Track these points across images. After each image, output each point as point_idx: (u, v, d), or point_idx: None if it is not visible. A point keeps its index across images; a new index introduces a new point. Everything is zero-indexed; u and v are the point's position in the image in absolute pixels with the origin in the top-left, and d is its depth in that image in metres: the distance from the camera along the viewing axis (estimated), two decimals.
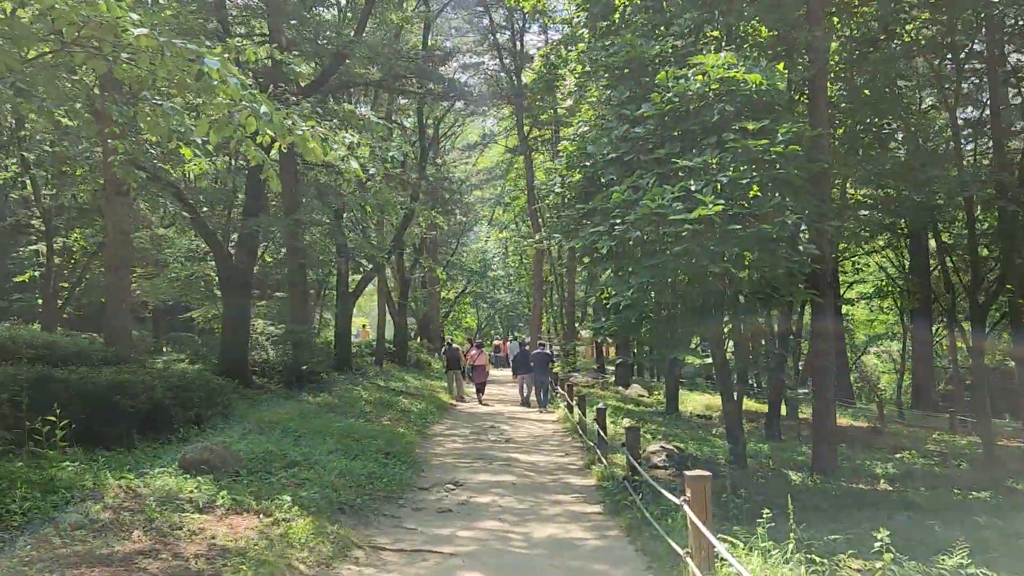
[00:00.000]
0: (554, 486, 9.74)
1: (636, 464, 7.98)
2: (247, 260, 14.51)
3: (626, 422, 17.02)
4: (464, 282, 50.05)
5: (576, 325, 37.62)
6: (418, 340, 39.15)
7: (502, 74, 30.44)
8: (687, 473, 5.46)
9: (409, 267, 32.19)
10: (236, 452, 8.05)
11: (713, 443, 16.24)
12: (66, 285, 18.42)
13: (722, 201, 8.08)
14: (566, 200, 10.99)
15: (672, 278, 8.59)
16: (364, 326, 45.87)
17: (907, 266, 32.93)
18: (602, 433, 10.97)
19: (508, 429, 15.75)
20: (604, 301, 9.21)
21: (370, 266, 22.17)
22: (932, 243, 34.66)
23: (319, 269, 22.26)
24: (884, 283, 33.58)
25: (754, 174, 8.40)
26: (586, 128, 11.08)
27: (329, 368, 18.97)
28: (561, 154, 11.92)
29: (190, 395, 9.22)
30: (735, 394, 12.83)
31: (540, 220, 34.10)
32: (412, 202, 21.64)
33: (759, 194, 8.37)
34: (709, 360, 12.66)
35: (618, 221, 8.71)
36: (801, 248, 8.58)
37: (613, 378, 34.30)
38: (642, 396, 29.40)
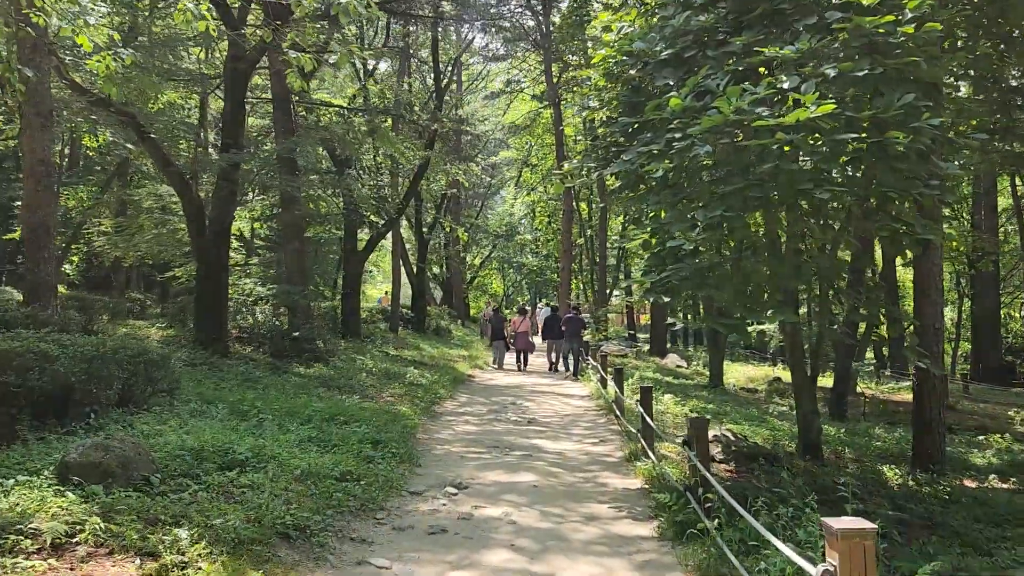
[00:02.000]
0: (588, 489, 7.44)
1: (709, 475, 5.64)
2: (223, 205, 12.27)
3: (668, 399, 14.67)
4: (490, 247, 47.73)
5: (608, 291, 35.12)
6: (442, 306, 37.05)
7: (527, 14, 27.70)
8: (834, 525, 3.10)
9: (428, 227, 29.91)
10: (151, 449, 5.85)
11: (771, 424, 13.86)
12: None
13: (830, 100, 5.62)
14: (604, 122, 8.56)
15: (758, 209, 6.17)
16: (387, 293, 43.90)
17: (971, 222, 30.11)
18: (647, 417, 8.64)
19: (531, 406, 13.49)
20: (655, 249, 6.85)
21: (380, 222, 19.90)
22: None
23: (325, 224, 20.03)
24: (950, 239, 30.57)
25: (874, 66, 5.91)
26: (630, 28, 8.58)
27: (332, 335, 16.82)
28: (596, 71, 9.41)
29: (110, 369, 7.03)
30: (808, 367, 10.43)
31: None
32: (427, 149, 19.26)
33: (882, 92, 5.89)
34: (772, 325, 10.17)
35: (678, 135, 6.29)
36: (944, 165, 6.07)
37: (646, 347, 31.95)
38: (680, 367, 27.02)
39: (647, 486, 7.43)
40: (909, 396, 22.85)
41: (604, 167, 7.99)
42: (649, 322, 35.93)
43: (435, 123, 17.35)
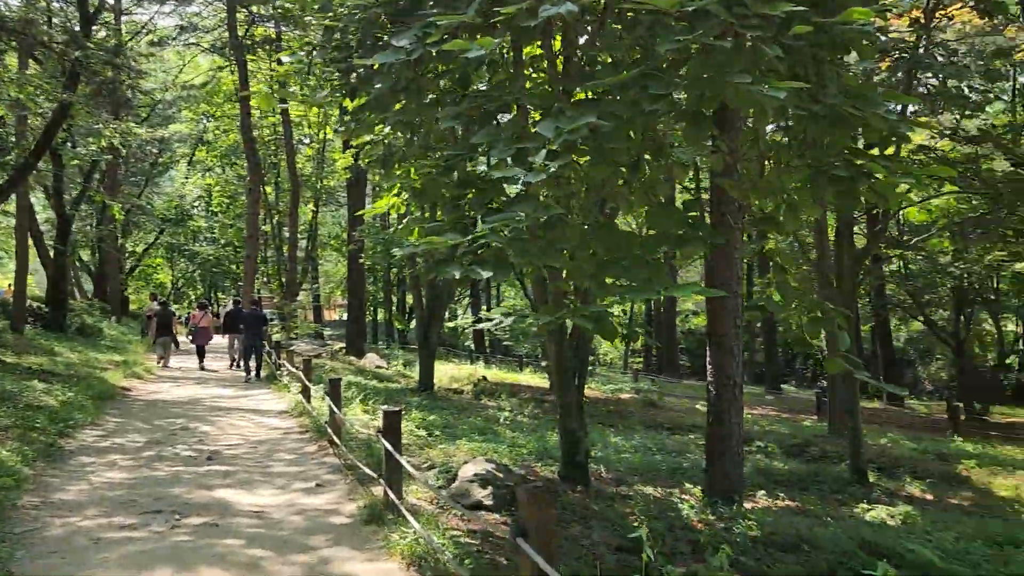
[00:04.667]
0: None
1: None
2: None
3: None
4: (156, 232, 41.08)
5: (298, 283, 31.51)
6: (92, 300, 30.57)
7: None
8: None
9: (73, 201, 23.97)
10: None
11: (504, 435, 11.99)
12: None
13: None
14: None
15: (651, 120, 3.77)
16: (11, 285, 35.44)
17: None
18: (395, 454, 5.98)
19: (211, 431, 10.08)
20: (456, 193, 4.22)
21: None
22: None
23: None
24: None
25: None
26: None
27: None
28: None
29: None
30: (576, 377, 8.56)
31: (257, 152, 27.56)
32: (67, 91, 14.50)
33: None
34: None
35: None
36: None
37: (338, 345, 29.09)
38: (381, 368, 24.63)
39: (415, 574, 4.79)
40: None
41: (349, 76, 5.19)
42: (346, 317, 33.04)
43: (77, 50, 12.82)
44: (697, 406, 22.13)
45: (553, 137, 3.28)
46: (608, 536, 6.15)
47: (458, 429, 12.07)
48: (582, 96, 3.94)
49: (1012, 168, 10.92)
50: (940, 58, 11.18)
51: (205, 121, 41.51)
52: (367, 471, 6.88)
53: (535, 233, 3.46)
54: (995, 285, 21.05)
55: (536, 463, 9.39)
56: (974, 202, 12.68)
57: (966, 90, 11.65)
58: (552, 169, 3.23)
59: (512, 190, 4.48)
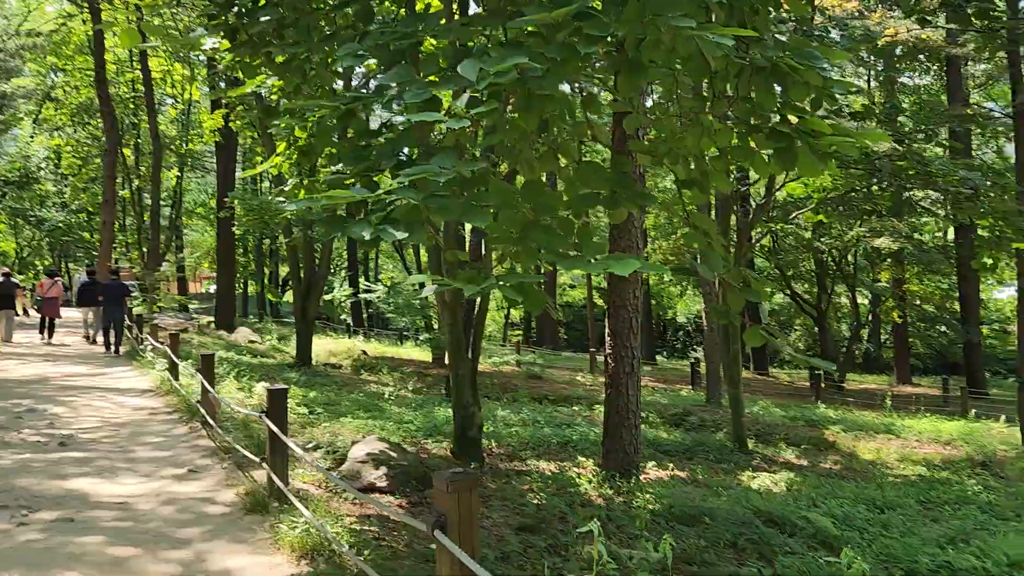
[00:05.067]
0: None
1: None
2: None
3: (263, 389, 11.43)
4: None
5: (161, 252, 29.51)
6: None
7: None
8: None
9: None
10: None
11: (388, 411, 11.59)
12: None
13: None
14: None
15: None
16: None
17: None
18: (280, 434, 5.47)
19: (64, 412, 9.10)
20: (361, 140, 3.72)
21: None
22: None
23: None
24: None
25: None
26: None
27: None
28: None
29: None
30: (471, 347, 8.25)
31: (114, 111, 25.42)
32: None
33: None
34: None
35: None
36: None
37: (205, 319, 27.57)
38: (255, 343, 23.50)
39: (308, 569, 4.34)
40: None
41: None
42: (214, 290, 31.29)
43: None
44: (578, 377, 22.38)
45: (477, 80, 2.88)
46: (509, 515, 5.90)
47: (341, 406, 11.54)
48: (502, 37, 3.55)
49: (893, 145, 11.42)
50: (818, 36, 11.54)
51: (54, 76, 38.05)
52: (247, 454, 6.31)
53: (456, 189, 3.06)
54: (853, 261, 22.44)
55: (426, 439, 9.04)
56: (846, 180, 13.31)
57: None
58: (475, 114, 2.84)
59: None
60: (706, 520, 6.01)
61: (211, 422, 7.83)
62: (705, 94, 4.13)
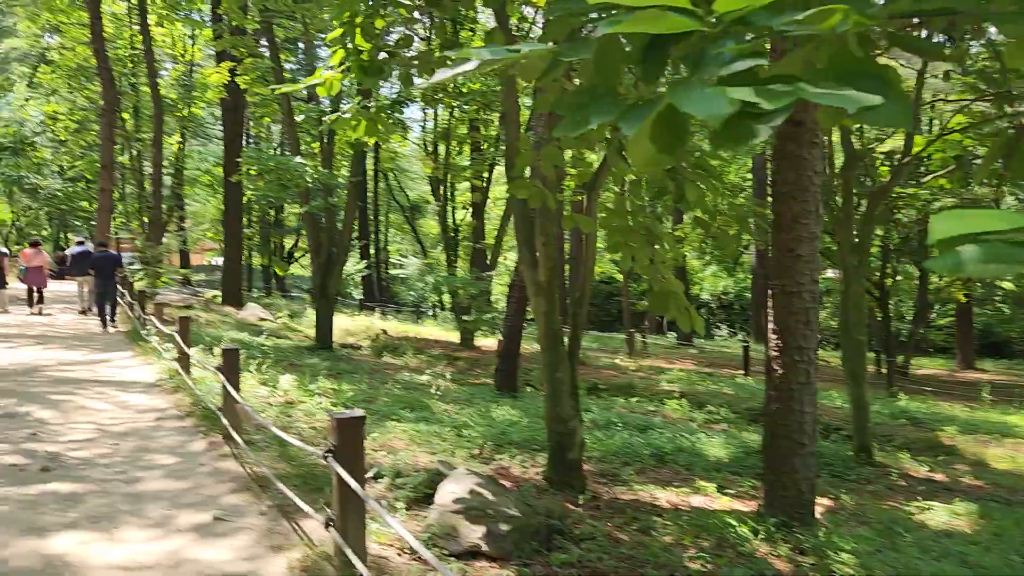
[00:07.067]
0: None
1: None
2: None
3: (289, 382, 9.68)
4: None
5: (163, 223, 27.61)
6: None
7: None
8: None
9: None
10: None
11: (457, 421, 9.86)
12: None
13: None
14: None
15: None
16: None
17: None
18: (355, 484, 3.69)
19: (51, 417, 7.31)
20: None
21: None
22: None
23: None
24: None
25: None
26: None
27: None
28: None
29: None
30: (571, 346, 6.44)
31: (112, 70, 23.39)
32: None
33: None
34: None
35: None
36: None
37: (210, 293, 25.74)
38: (265, 320, 21.71)
39: None
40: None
41: None
42: (220, 261, 29.41)
43: None
44: (617, 361, 20.55)
45: None
46: None
47: (379, 402, 9.80)
48: None
49: None
50: None
51: (48, 38, 35.92)
52: (294, 499, 4.52)
53: None
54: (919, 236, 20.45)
55: (500, 454, 7.27)
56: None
57: None
58: None
59: None
60: None
61: (236, 438, 6.05)
62: None
